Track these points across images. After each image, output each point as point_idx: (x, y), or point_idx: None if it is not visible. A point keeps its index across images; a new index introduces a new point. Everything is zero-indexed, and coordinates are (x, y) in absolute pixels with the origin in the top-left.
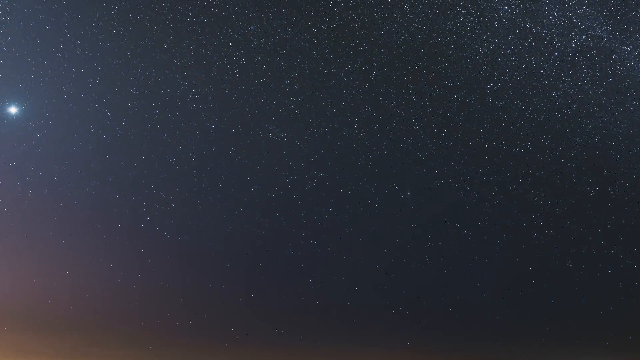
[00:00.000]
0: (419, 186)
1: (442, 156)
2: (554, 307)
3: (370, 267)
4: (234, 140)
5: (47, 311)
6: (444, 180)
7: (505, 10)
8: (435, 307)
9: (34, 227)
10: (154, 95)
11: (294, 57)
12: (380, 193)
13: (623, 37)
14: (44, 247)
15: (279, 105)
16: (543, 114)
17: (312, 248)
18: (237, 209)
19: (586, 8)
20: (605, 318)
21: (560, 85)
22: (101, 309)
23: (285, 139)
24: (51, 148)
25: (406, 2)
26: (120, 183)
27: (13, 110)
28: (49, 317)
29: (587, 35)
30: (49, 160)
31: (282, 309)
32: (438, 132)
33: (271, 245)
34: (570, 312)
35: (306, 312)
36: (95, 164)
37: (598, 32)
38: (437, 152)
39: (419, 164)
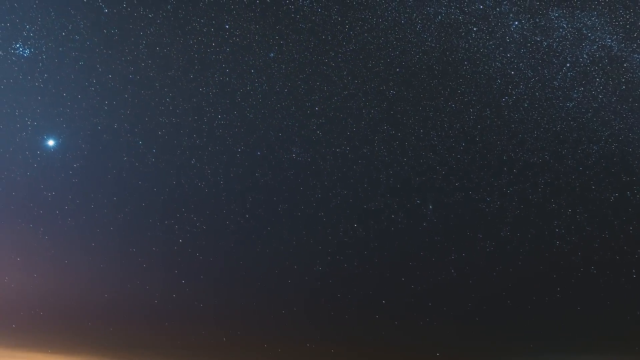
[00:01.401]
0: (440, 199)
1: (461, 169)
2: (581, 313)
3: (397, 281)
4: (260, 162)
5: (86, 335)
6: (465, 193)
7: (516, 25)
8: (462, 318)
9: (73, 254)
10: (182, 123)
11: (313, 81)
12: (403, 208)
13: (634, 46)
14: (84, 273)
15: (301, 127)
16: (559, 124)
17: (339, 264)
18: (265, 228)
19: (595, 19)
20: (633, 323)
21: (574, 95)
22: (137, 331)
23: (309, 159)
24: (87, 177)
25: (419, 23)
26: (153, 208)
27: (51, 142)
28: (88, 340)
29: (597, 45)
30: (86, 189)
31: (311, 324)
32: (456, 146)
33: (300, 262)
34: (598, 318)
35: (335, 327)
36: (128, 190)
37: (608, 41)
38: (457, 165)
39: (439, 177)
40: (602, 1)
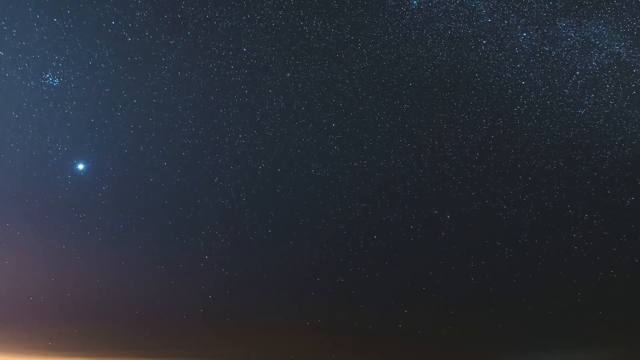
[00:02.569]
0: (457, 209)
1: (477, 179)
2: (603, 317)
3: (418, 290)
4: (280, 178)
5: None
6: (481, 202)
7: (524, 36)
8: (484, 326)
9: (105, 273)
10: (205, 143)
11: (329, 98)
12: (421, 218)
13: None
14: (115, 290)
15: (318, 143)
16: (571, 131)
17: (360, 275)
18: (287, 242)
19: (602, 27)
20: None
21: (585, 102)
22: (166, 345)
23: (327, 174)
24: (116, 199)
25: (429, 38)
26: (179, 226)
27: (81, 166)
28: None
29: (606, 52)
30: (115, 209)
31: (335, 334)
32: (471, 156)
33: (322, 274)
34: (620, 322)
35: (358, 337)
36: (155, 210)
37: (617, 48)
38: (472, 175)
39: (456, 187)
40: (608, 9)
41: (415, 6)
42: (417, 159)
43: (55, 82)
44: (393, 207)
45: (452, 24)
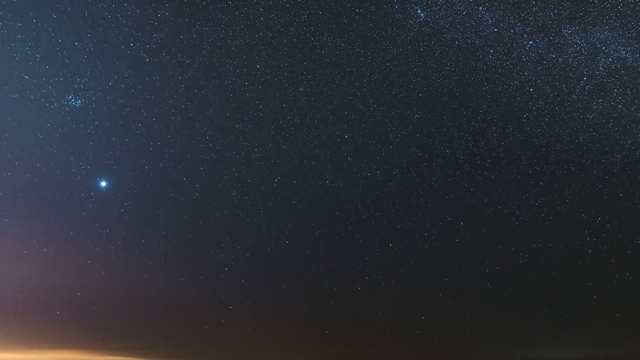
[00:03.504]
0: (470, 216)
1: (489, 185)
2: (619, 320)
3: (434, 296)
4: (296, 190)
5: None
6: (494, 208)
7: (531, 44)
8: (500, 331)
9: (129, 287)
10: (222, 158)
11: (341, 111)
12: (435, 225)
13: None
14: (139, 303)
15: (332, 154)
16: (581, 135)
17: (377, 283)
18: (304, 252)
19: (608, 33)
20: None
21: (594, 107)
22: (189, 356)
23: (342, 184)
24: (138, 214)
25: (437, 50)
26: (199, 239)
27: (103, 184)
28: None
29: (612, 57)
30: (137, 224)
31: (354, 342)
32: (482, 164)
33: (339, 284)
34: (637, 325)
35: (376, 344)
36: (176, 224)
37: (623, 53)
38: (484, 182)
39: (468, 194)
40: (613, 15)
41: (423, 19)
42: (429, 168)
43: (77, 103)
44: (407, 216)
45: (459, 35)
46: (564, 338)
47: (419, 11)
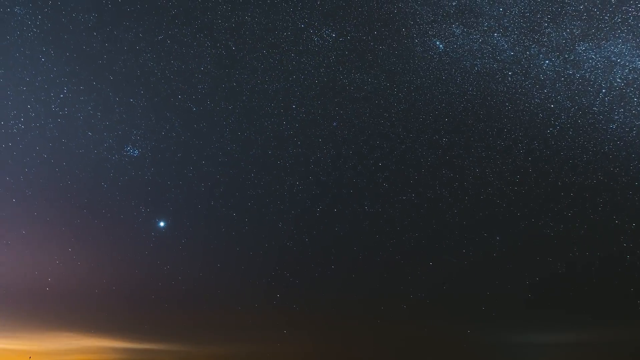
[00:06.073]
0: (505, 230)
1: (520, 199)
2: None
3: (478, 311)
4: (338, 218)
5: None
6: (528, 221)
7: (547, 64)
8: (540, 339)
9: (188, 321)
10: (266, 193)
11: (373, 140)
12: (472, 241)
13: None
14: (200, 335)
15: (368, 182)
16: (606, 145)
17: (420, 299)
18: (350, 276)
19: (621, 46)
20: None
21: (616, 117)
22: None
23: (379, 209)
24: (194, 250)
25: (458, 76)
26: (251, 269)
27: (162, 224)
28: None
29: (629, 69)
30: (194, 260)
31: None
32: (512, 179)
33: (385, 303)
34: None
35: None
36: (229, 257)
37: (639, 64)
38: (515, 196)
39: (501, 209)
40: (625, 29)
41: (442, 49)
42: (462, 187)
43: (135, 153)
44: (444, 235)
45: (477, 61)
46: (606, 346)
47: (437, 43)
